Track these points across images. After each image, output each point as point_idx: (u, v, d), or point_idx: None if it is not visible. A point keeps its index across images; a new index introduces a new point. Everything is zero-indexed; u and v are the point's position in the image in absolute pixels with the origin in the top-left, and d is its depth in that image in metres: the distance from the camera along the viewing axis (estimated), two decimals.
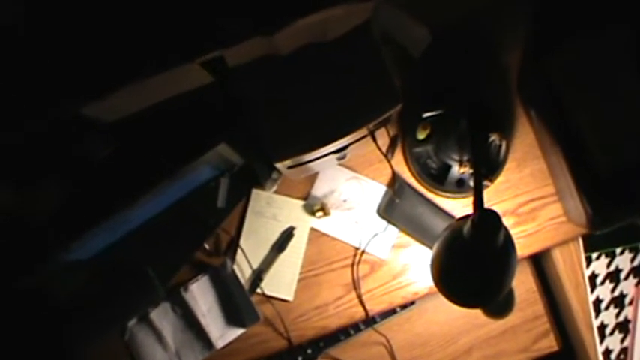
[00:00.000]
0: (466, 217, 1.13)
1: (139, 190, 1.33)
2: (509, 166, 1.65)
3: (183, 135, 1.38)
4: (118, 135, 1.33)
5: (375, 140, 1.42)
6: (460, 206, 1.67)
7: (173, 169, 1.32)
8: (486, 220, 1.05)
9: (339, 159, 1.52)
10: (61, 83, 1.09)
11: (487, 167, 1.60)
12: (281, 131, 1.27)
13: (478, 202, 1.10)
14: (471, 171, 1.55)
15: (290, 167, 1.36)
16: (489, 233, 1.05)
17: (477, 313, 1.44)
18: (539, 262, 1.97)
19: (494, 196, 1.66)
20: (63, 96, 1.09)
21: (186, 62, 1.12)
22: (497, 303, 1.47)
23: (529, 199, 1.67)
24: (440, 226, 1.61)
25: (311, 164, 1.41)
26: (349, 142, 1.35)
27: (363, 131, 1.34)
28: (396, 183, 1.63)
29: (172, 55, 1.09)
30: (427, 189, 1.65)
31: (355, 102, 1.26)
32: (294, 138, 1.26)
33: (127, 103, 1.21)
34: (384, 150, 1.56)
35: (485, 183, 1.58)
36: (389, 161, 1.60)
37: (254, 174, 1.59)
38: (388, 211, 1.64)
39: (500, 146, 1.60)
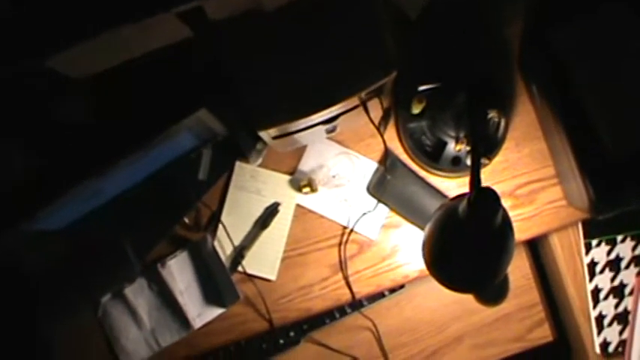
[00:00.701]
0: (461, 195, 1.09)
1: (113, 157, 1.26)
2: (507, 146, 1.62)
3: (161, 99, 1.33)
4: (91, 98, 1.28)
5: (367, 111, 1.37)
6: (455, 186, 1.63)
7: (150, 135, 1.26)
8: (484, 200, 1.00)
9: (328, 132, 1.48)
10: (26, 33, 1.03)
11: (485, 145, 1.56)
12: (265, 97, 1.21)
13: (475, 179, 1.05)
14: (467, 148, 1.52)
15: (275, 137, 1.32)
16: (486, 213, 1.00)
17: (469, 299, 1.40)
18: (536, 247, 1.94)
19: (491, 177, 1.62)
20: (28, 48, 1.02)
21: (162, 12, 1.05)
22: (491, 289, 1.43)
23: (528, 181, 1.64)
24: (433, 206, 1.57)
25: (298, 135, 1.36)
26: (339, 111, 1.30)
27: (355, 101, 1.30)
28: (387, 159, 1.59)
29: (146, 3, 1.01)
30: (421, 166, 1.62)
31: (347, 67, 1.21)
32: (278, 104, 1.21)
33: (96, 58, 1.14)
34: (376, 123, 1.50)
35: (483, 161, 1.54)
36: (381, 134, 1.55)
37: (238, 145, 1.55)
38: (379, 188, 1.61)
39: (498, 124, 1.57)
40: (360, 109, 1.36)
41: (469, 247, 1.07)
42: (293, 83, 1.20)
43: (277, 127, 1.23)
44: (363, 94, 1.27)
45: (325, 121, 1.33)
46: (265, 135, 1.27)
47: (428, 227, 1.14)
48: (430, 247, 1.14)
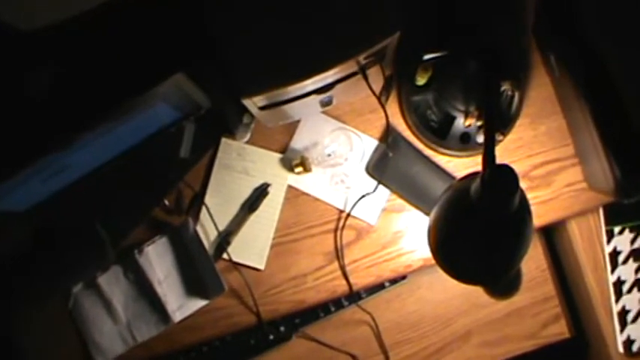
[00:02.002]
0: (473, 175, 1.03)
1: (78, 127, 1.18)
2: (522, 122, 1.56)
3: (132, 62, 1.24)
4: (50, 61, 1.20)
5: (366, 79, 1.30)
6: (463, 167, 1.57)
7: (119, 102, 1.18)
8: (500, 178, 0.94)
9: (323, 104, 1.43)
10: None
11: (498, 120, 1.50)
12: (251, 59, 1.16)
13: (489, 155, 0.97)
14: (478, 123, 1.46)
15: (263, 108, 1.26)
16: (503, 194, 0.94)
17: (478, 292, 1.31)
18: (552, 235, 1.89)
19: (504, 156, 1.56)
20: None
21: None
22: (503, 281, 1.32)
23: (544, 161, 1.58)
24: (439, 188, 1.53)
25: (289, 107, 1.31)
26: (335, 78, 1.25)
27: (353, 66, 1.23)
28: (389, 135, 1.53)
29: None
30: (425, 144, 1.56)
31: (342, 26, 1.15)
32: (266, 67, 1.15)
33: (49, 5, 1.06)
34: (377, 93, 1.42)
35: (497, 136, 1.47)
36: (383, 106, 1.46)
37: (224, 119, 1.51)
38: (379, 168, 1.55)
39: (512, 97, 1.51)
40: (359, 78, 1.30)
41: (481, 234, 1.01)
42: (282, 44, 1.16)
43: (264, 94, 1.17)
44: (361, 59, 1.21)
45: (319, 89, 1.27)
46: (251, 105, 1.21)
47: (434, 211, 1.08)
48: (437, 232, 1.08)
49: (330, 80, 1.25)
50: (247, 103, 1.19)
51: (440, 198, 1.08)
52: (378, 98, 1.42)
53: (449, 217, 1.06)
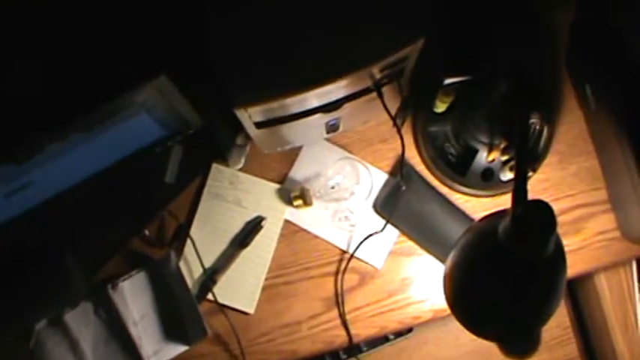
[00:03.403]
0: (498, 214, 0.98)
1: (41, 137, 1.12)
2: (550, 161, 1.52)
3: (108, 63, 1.18)
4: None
5: (381, 97, 1.23)
6: (482, 208, 1.53)
7: (92, 107, 1.11)
8: (535, 215, 0.88)
9: (328, 129, 1.39)
10: None
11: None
12: (248, 62, 1.10)
13: (521, 189, 0.93)
14: (503, 158, 1.41)
15: (260, 125, 1.20)
16: (538, 234, 0.87)
17: (491, 349, 1.23)
18: (577, 289, 1.85)
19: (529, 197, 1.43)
20: None
21: None
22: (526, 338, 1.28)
23: (573, 205, 1.53)
24: (455, 230, 1.48)
25: (290, 128, 1.27)
26: (344, 94, 1.18)
27: (366, 81, 1.17)
28: (403, 167, 1.47)
29: None
30: (441, 181, 1.52)
31: (357, 26, 1.09)
32: (264, 71, 1.09)
33: None
34: (393, 116, 1.36)
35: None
36: (399, 130, 1.38)
37: (216, 141, 1.48)
38: (388, 206, 1.50)
39: (540, 132, 1.46)
40: (371, 100, 1.25)
41: (509, 281, 0.94)
42: (285, 47, 1.09)
43: (262, 104, 1.10)
44: (376, 71, 1.14)
45: (325, 107, 1.21)
46: (246, 120, 1.15)
47: (452, 255, 1.03)
48: (454, 279, 1.03)
49: (338, 96, 1.20)
50: (242, 116, 1.12)
51: (458, 241, 1.04)
52: (394, 120, 1.35)
53: (470, 262, 1.01)
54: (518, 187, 0.93)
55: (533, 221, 0.88)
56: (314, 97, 1.15)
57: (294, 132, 1.34)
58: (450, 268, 1.04)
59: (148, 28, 1.21)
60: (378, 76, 1.17)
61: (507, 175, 1.40)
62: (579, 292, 1.82)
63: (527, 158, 1.10)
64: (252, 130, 1.23)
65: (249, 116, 1.13)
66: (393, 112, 1.35)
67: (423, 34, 1.09)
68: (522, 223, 0.88)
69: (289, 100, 1.10)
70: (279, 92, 1.08)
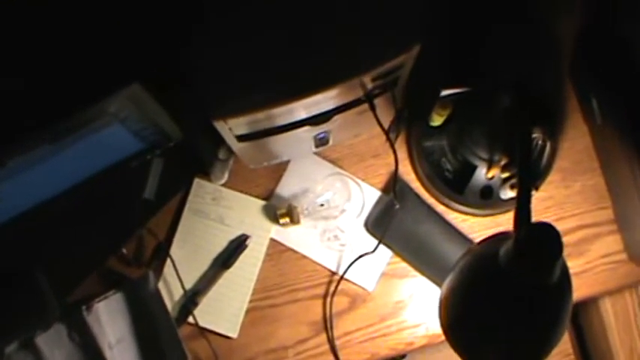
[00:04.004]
0: (499, 235, 0.98)
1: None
2: (552, 178, 1.50)
3: (76, 70, 1.13)
4: None
5: (373, 109, 1.20)
6: (480, 227, 1.51)
7: (56, 118, 1.09)
8: (540, 239, 0.85)
9: (317, 143, 1.37)
10: None
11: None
12: (226, 67, 1.06)
13: (523, 211, 0.90)
14: (503, 175, 1.39)
15: (242, 138, 1.17)
16: (543, 260, 0.85)
17: None
18: (579, 314, 1.84)
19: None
20: None
21: None
22: None
23: (577, 226, 1.51)
24: (452, 251, 1.47)
25: (275, 141, 1.24)
26: (334, 105, 1.15)
27: (356, 91, 1.14)
28: (397, 184, 1.45)
29: None
30: (437, 199, 1.50)
31: (347, 32, 1.05)
32: (245, 80, 1.05)
33: None
34: (386, 129, 1.34)
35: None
36: (392, 144, 1.35)
37: (198, 155, 1.46)
38: (381, 225, 1.47)
39: (543, 148, 1.45)
40: (362, 112, 1.23)
41: (510, 309, 0.92)
42: (272, 53, 1.06)
43: (242, 115, 1.06)
44: (368, 81, 1.11)
45: (314, 118, 1.18)
46: (227, 133, 1.11)
47: (449, 279, 1.01)
48: (451, 306, 1.01)
49: (327, 107, 1.16)
50: (222, 129, 1.08)
51: (456, 264, 1.02)
52: (387, 134, 1.33)
53: (468, 287, 0.99)
54: (521, 207, 0.91)
55: (538, 245, 0.86)
56: (301, 109, 1.11)
57: (280, 146, 1.32)
58: (446, 293, 1.02)
59: (119, 33, 1.18)
60: (369, 86, 1.14)
61: (508, 194, 1.38)
62: (582, 317, 1.81)
63: (530, 176, 1.10)
64: (234, 144, 1.20)
65: (229, 129, 1.10)
66: (386, 125, 1.34)
67: (418, 40, 1.06)
68: (526, 247, 0.86)
69: (273, 112, 1.08)
70: (262, 103, 1.05)
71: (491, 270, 0.93)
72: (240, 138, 1.16)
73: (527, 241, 0.86)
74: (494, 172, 1.40)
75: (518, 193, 0.95)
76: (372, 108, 1.21)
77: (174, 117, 1.31)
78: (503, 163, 1.37)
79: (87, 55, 1.15)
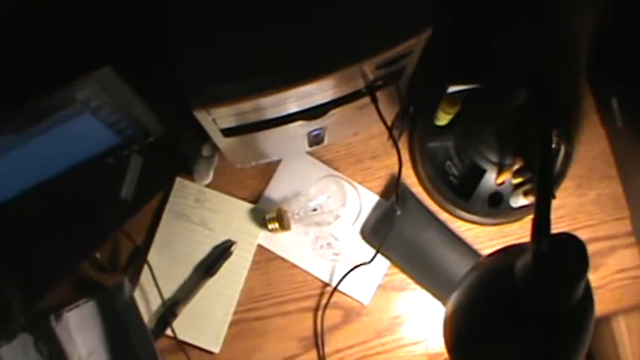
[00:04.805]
0: (514, 247, 0.95)
1: None
2: (566, 185, 1.49)
3: (40, 50, 1.11)
4: None
5: (375, 103, 1.15)
6: (486, 237, 1.49)
7: (17, 104, 1.05)
8: (564, 255, 0.80)
9: (311, 141, 1.34)
10: None
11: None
12: (210, 50, 0.99)
13: (543, 220, 0.85)
14: (514, 181, 1.36)
15: (228, 133, 1.12)
16: (566, 278, 0.79)
17: None
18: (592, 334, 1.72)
19: None
20: None
21: None
22: None
23: (591, 237, 1.48)
24: (455, 262, 1.45)
25: (265, 138, 1.21)
26: (330, 97, 1.10)
27: (357, 81, 1.08)
28: (399, 187, 1.41)
29: None
30: (441, 205, 1.48)
31: (348, 13, 1.00)
32: (231, 64, 0.99)
33: None
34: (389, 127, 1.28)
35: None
36: (396, 143, 1.30)
37: (180, 151, 1.44)
38: (378, 233, 1.45)
39: (557, 152, 1.43)
40: (361, 107, 1.19)
41: (524, 332, 0.87)
42: (260, 31, 1.00)
43: (227, 104, 1.01)
44: (371, 69, 1.05)
45: (308, 112, 1.13)
46: (209, 124, 1.06)
47: (455, 295, 0.98)
48: (457, 325, 0.98)
49: (323, 99, 1.10)
50: (204, 120, 1.02)
51: (464, 278, 0.98)
52: (390, 132, 1.28)
53: (477, 305, 0.95)
54: (541, 217, 0.86)
55: (561, 260, 0.80)
56: (293, 100, 1.06)
57: (270, 143, 1.29)
58: (452, 310, 0.99)
59: (87, 10, 1.14)
60: (372, 75, 1.09)
61: (519, 201, 1.35)
62: (593, 336, 1.74)
63: (551, 182, 1.04)
64: (219, 139, 1.16)
65: (213, 121, 1.04)
66: (389, 122, 1.28)
67: (429, 24, 1.01)
68: (547, 262, 0.81)
69: (262, 102, 1.02)
70: (249, 91, 0.99)
71: (505, 287, 0.88)
72: (226, 132, 1.12)
73: (548, 255, 0.81)
74: (505, 177, 1.38)
75: (538, 201, 0.89)
76: (375, 101, 1.16)
77: (155, 108, 1.28)
78: (516, 168, 1.34)
79: (50, 35, 1.12)
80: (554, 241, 0.81)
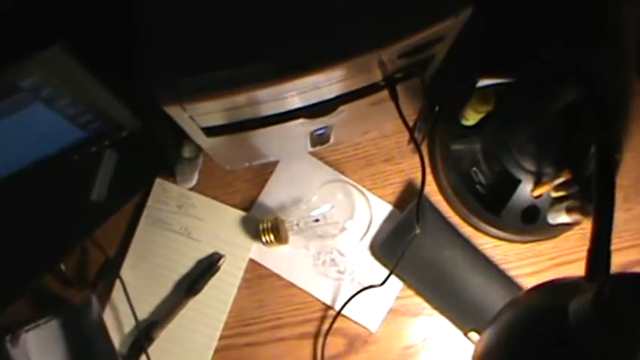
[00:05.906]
0: (562, 281, 0.89)
1: None
2: None
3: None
4: None
5: (395, 98, 1.04)
6: (515, 257, 1.41)
7: None
8: (632, 301, 0.71)
9: (315, 141, 1.26)
10: None
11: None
12: (182, 28, 0.88)
13: (602, 256, 0.82)
14: (555, 194, 1.27)
15: (211, 132, 1.02)
16: (634, 329, 0.70)
17: None
18: None
19: (577, 244, 1.43)
20: None
21: None
22: None
23: (638, 260, 1.41)
24: (480, 286, 1.38)
25: (259, 137, 1.12)
26: (340, 90, 0.99)
27: (373, 72, 0.97)
28: (420, 197, 1.28)
29: None
30: (464, 218, 1.40)
31: None
32: (212, 46, 0.86)
33: None
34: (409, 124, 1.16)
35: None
36: (418, 146, 1.18)
37: (163, 150, 1.34)
38: (390, 249, 1.36)
39: (618, 164, 1.39)
40: (375, 103, 1.10)
41: None
42: (253, 5, 0.88)
43: (206, 99, 0.88)
44: (392, 57, 0.93)
45: (312, 108, 1.02)
46: (187, 122, 0.95)
47: (491, 332, 0.90)
48: None
49: (330, 94, 0.99)
50: (180, 118, 0.91)
51: (499, 315, 0.90)
52: (411, 133, 1.17)
53: (516, 349, 0.85)
54: (599, 249, 0.82)
55: (629, 308, 0.71)
56: (293, 94, 0.94)
57: (265, 142, 1.20)
58: (483, 351, 0.90)
59: None
60: (393, 66, 0.97)
61: (560, 218, 1.25)
62: None
63: (612, 207, 0.92)
64: (201, 139, 1.06)
65: (190, 118, 0.92)
66: (410, 122, 1.18)
67: (469, 3, 0.89)
68: (610, 309, 0.71)
69: (252, 96, 0.90)
70: (232, 83, 0.86)
71: (555, 332, 0.79)
72: (209, 132, 1.02)
73: (612, 300, 0.71)
74: (544, 190, 1.28)
75: (596, 230, 0.84)
76: (394, 97, 1.06)
77: (125, 98, 1.19)
78: (560, 180, 1.24)
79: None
80: (620, 284, 0.72)
